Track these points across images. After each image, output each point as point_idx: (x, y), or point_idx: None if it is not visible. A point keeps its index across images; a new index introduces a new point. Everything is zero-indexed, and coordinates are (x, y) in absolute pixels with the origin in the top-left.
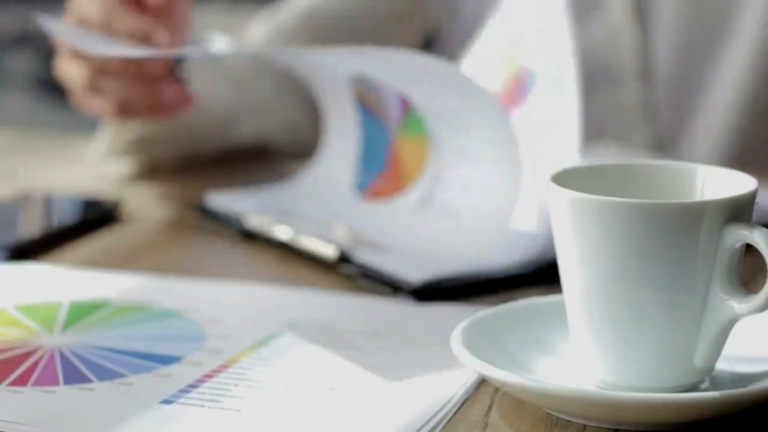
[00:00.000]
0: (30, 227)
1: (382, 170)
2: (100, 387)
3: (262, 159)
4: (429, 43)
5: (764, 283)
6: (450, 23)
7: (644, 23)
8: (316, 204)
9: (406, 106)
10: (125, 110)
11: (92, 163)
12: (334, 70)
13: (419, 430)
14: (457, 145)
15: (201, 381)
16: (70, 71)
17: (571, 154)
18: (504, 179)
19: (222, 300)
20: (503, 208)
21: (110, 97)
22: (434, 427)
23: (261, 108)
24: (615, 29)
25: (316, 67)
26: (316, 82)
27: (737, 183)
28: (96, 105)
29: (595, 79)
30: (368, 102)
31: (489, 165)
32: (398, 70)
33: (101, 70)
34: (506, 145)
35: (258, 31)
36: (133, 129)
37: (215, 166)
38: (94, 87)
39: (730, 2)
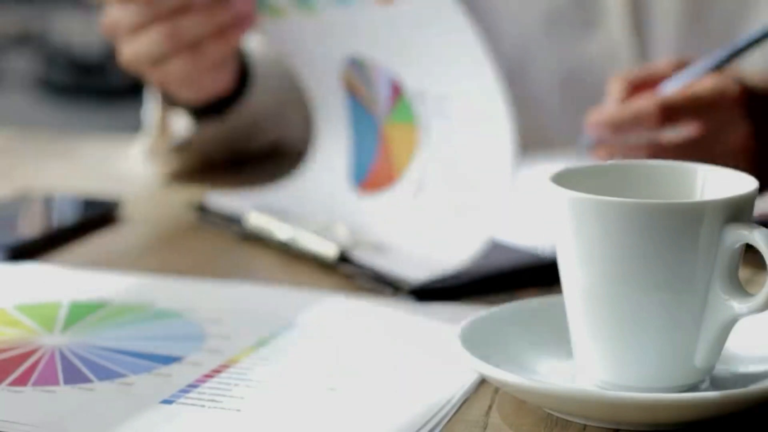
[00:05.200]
0: (30, 227)
1: (374, 160)
2: (100, 387)
3: (267, 159)
4: None
5: (764, 283)
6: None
7: (642, 41)
8: (315, 201)
9: (397, 93)
10: (190, 48)
11: (132, 165)
12: (329, 54)
13: (419, 430)
14: (444, 129)
15: (201, 381)
16: (120, 19)
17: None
18: (491, 159)
19: (222, 300)
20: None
21: (171, 37)
22: (434, 427)
23: (296, 104)
24: (613, 47)
25: (309, 54)
26: (308, 73)
27: (737, 183)
28: (148, 49)
29: (593, 96)
30: (358, 93)
31: (476, 148)
32: (393, 48)
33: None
34: (495, 127)
35: None
36: (175, 135)
37: (217, 168)
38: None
39: (729, 21)
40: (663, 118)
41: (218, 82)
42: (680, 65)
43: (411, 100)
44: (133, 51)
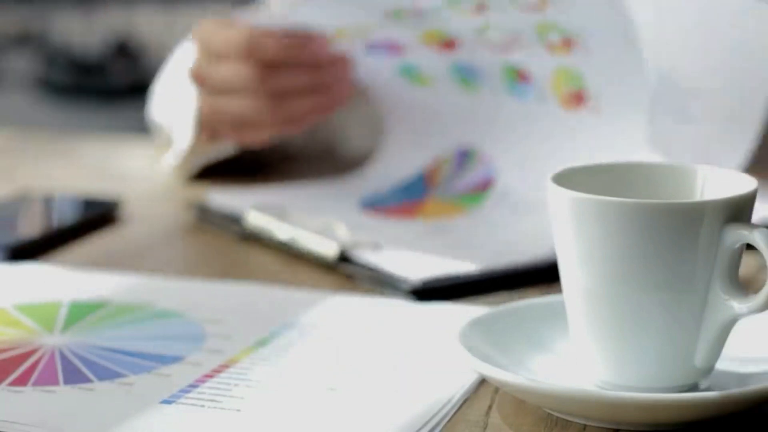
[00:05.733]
0: (30, 227)
1: (394, 209)
2: (100, 387)
3: (267, 160)
4: None
5: (764, 283)
6: None
7: None
8: (315, 207)
9: (483, 188)
10: (288, 121)
11: (163, 172)
12: (448, 136)
13: (419, 430)
14: (503, 219)
15: (201, 381)
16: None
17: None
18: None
19: (222, 300)
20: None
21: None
22: (434, 427)
23: None
24: None
25: (426, 124)
26: (403, 136)
27: (737, 183)
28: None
29: None
30: (433, 179)
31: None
32: (526, 150)
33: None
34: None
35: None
36: (206, 155)
37: (219, 167)
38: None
39: None
40: None
41: None
42: None
43: (490, 195)
44: (224, 109)
